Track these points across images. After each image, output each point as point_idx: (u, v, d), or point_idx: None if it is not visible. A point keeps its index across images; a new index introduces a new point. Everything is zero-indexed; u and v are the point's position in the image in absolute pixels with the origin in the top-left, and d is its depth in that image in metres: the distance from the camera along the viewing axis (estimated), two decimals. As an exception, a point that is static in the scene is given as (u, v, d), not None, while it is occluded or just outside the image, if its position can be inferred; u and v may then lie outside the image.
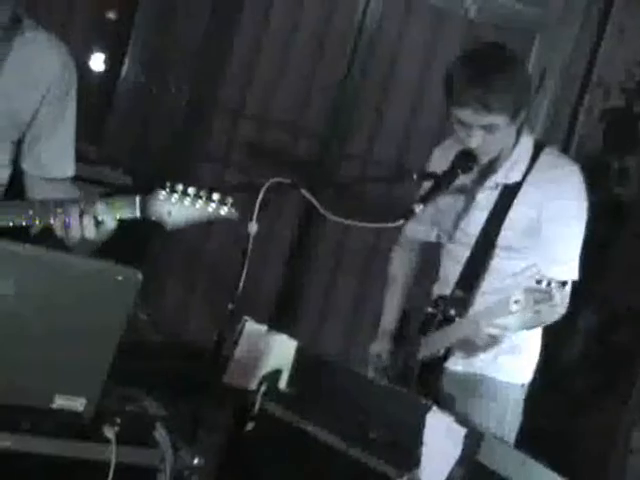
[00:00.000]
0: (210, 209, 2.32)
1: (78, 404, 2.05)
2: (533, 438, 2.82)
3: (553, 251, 2.84)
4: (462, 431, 2.28)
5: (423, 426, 2.34)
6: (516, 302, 2.52)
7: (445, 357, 2.94)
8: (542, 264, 2.81)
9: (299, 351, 2.67)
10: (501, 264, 2.95)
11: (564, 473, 2.24)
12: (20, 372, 1.98)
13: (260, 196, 2.78)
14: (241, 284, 2.73)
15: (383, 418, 2.46)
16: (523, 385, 3.06)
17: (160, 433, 2.17)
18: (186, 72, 4.99)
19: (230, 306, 2.74)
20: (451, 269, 3.05)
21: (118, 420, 2.11)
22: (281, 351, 2.69)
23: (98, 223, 2.34)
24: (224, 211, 2.33)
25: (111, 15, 5.08)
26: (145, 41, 4.94)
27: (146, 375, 2.68)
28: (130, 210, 2.34)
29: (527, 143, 2.95)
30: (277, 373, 2.66)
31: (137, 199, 2.33)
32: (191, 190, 2.32)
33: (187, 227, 2.36)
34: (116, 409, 2.14)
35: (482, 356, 2.96)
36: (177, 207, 2.31)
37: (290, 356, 2.68)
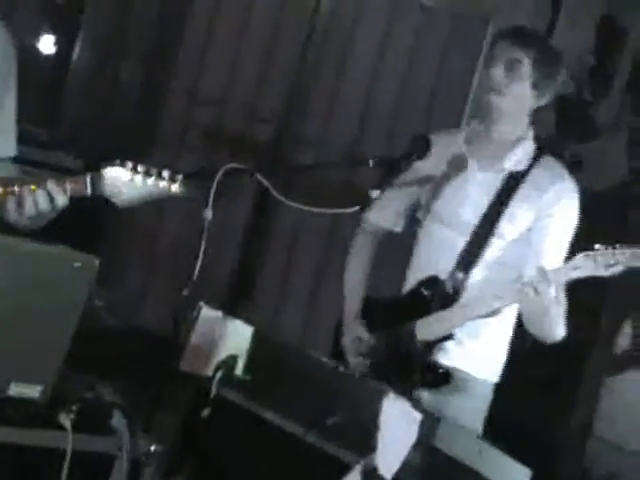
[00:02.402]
0: (161, 186, 2.33)
1: (34, 391, 2.04)
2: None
3: (543, 249, 2.91)
4: (418, 416, 2.29)
5: (379, 411, 2.36)
6: (576, 268, 2.68)
7: (451, 336, 2.93)
8: (532, 257, 2.88)
9: (255, 336, 2.67)
10: (494, 253, 2.98)
11: (521, 459, 2.27)
12: (-25, 359, 1.97)
13: (215, 182, 2.78)
14: (196, 270, 2.72)
15: (340, 403, 2.47)
16: (494, 383, 3.08)
17: (117, 420, 2.16)
18: (140, 55, 4.95)
19: (185, 291, 2.73)
20: (437, 253, 3.04)
21: (74, 407, 2.10)
22: (237, 337, 2.68)
23: (51, 199, 2.34)
24: (175, 188, 2.34)
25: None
26: (97, 23, 4.89)
27: (101, 361, 2.66)
28: (81, 187, 2.34)
29: (532, 143, 3.05)
30: (233, 359, 2.65)
31: (88, 177, 2.34)
32: (141, 168, 2.33)
33: (139, 205, 2.36)
34: (72, 396, 2.13)
35: (460, 350, 2.98)
36: (128, 185, 2.32)
37: (246, 342, 2.67)
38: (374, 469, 2.32)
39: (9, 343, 1.99)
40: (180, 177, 2.34)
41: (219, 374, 2.62)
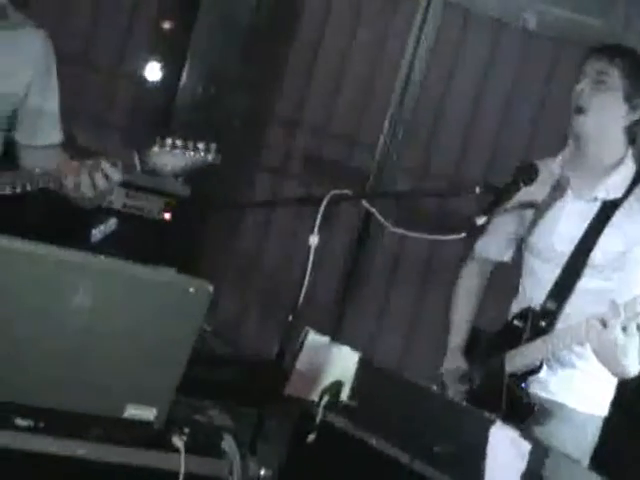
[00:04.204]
0: (198, 156, 2.56)
1: (149, 414, 2.09)
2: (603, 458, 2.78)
3: (637, 279, 2.83)
4: (527, 446, 2.26)
5: (486, 440, 2.34)
6: None
7: (540, 368, 2.87)
8: (624, 288, 2.80)
9: (361, 363, 2.68)
10: (587, 284, 2.92)
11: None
12: (94, 381, 2.02)
13: (322, 208, 2.82)
14: (302, 295, 2.76)
15: (446, 431, 2.46)
16: (601, 417, 2.98)
17: (228, 444, 2.19)
18: (244, 82, 5.03)
19: (290, 317, 2.77)
20: (534, 285, 3.01)
21: (187, 430, 2.14)
22: (343, 363, 2.69)
23: (107, 178, 2.59)
24: (210, 157, 2.57)
25: (170, 26, 5.14)
26: (203, 53, 4.99)
27: (208, 385, 2.70)
28: (131, 164, 2.57)
29: (631, 166, 2.94)
30: (339, 385, 2.66)
31: (135, 154, 2.57)
32: (179, 142, 2.56)
33: (182, 174, 2.65)
34: (184, 419, 2.17)
35: (556, 382, 2.93)
36: (171, 158, 2.56)
37: (352, 368, 2.68)
38: (481, 498, 2.30)
39: (127, 366, 2.04)
40: (214, 146, 2.57)
41: (325, 399, 2.63)
